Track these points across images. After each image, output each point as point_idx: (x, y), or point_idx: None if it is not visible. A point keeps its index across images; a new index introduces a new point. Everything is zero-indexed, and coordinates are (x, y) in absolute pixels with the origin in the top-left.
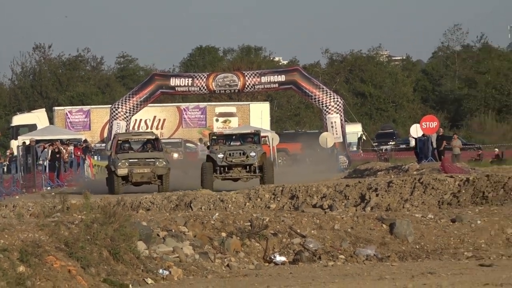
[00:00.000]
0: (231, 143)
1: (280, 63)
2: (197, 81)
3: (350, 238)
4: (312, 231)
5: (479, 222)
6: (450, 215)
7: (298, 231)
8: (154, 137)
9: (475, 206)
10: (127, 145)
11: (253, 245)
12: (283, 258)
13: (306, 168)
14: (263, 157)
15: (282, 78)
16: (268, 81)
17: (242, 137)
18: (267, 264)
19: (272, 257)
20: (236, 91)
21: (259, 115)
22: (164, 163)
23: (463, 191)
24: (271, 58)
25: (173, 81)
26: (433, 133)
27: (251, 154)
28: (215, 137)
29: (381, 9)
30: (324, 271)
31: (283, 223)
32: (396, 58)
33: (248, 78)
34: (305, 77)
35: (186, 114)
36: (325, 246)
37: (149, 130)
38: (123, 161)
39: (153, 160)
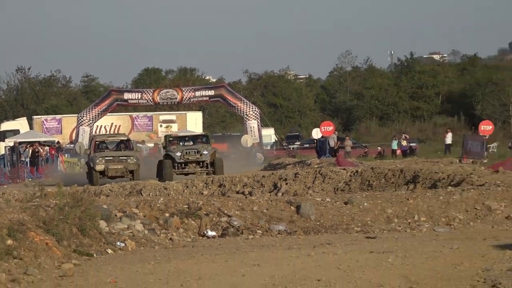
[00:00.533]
0: (185, 143)
1: (210, 81)
2: (145, 95)
3: (265, 217)
4: (236, 212)
5: (365, 204)
6: (343, 199)
7: (225, 212)
8: (126, 138)
9: (362, 191)
10: (103, 145)
11: (190, 223)
12: (213, 233)
13: (231, 163)
14: (213, 155)
15: (211, 92)
16: (201, 95)
17: (194, 138)
18: (201, 237)
19: (205, 232)
20: (176, 103)
21: (194, 122)
22: (135, 160)
23: (353, 180)
24: (203, 77)
25: (126, 95)
26: (330, 135)
27: (204, 152)
28: (171, 139)
29: (289, 38)
30: (246, 242)
31: (213, 205)
32: (301, 76)
33: (185, 93)
34: (230, 92)
35: (136, 121)
36: (246, 223)
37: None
38: (100, 158)
39: (126, 157)
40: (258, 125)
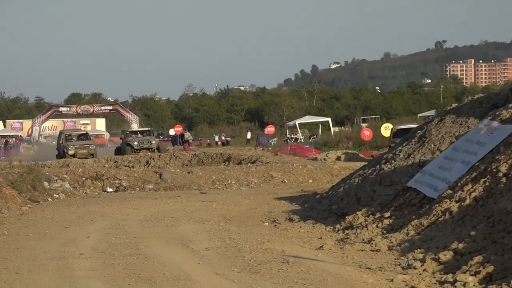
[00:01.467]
0: (138, 136)
1: (109, 100)
2: (71, 109)
3: (141, 180)
4: (124, 177)
5: (200, 173)
6: (187, 170)
7: (117, 177)
8: (85, 132)
9: (198, 166)
10: (70, 137)
11: (97, 183)
12: (111, 190)
13: None
14: (159, 143)
15: (110, 107)
16: (104, 109)
17: (142, 132)
18: (103, 192)
19: (106, 189)
20: (90, 113)
21: (100, 125)
22: (94, 146)
23: (193, 159)
24: (106, 98)
25: (61, 109)
26: (180, 132)
27: (153, 142)
28: (128, 133)
29: (157, 71)
30: (130, 195)
31: (110, 173)
32: (163, 98)
33: (95, 108)
34: (121, 107)
35: (66, 124)
36: (130, 184)
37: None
38: (71, 146)
39: (88, 145)
40: (138, 126)
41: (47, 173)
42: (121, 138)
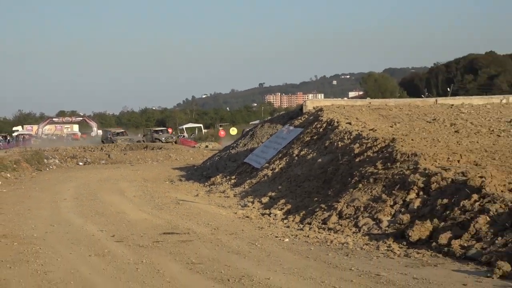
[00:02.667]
0: (118, 135)
1: (81, 114)
2: (60, 119)
3: (98, 158)
4: (88, 156)
5: (130, 154)
6: (123, 152)
7: (86, 156)
8: (124, 130)
9: (130, 151)
10: (116, 133)
11: (73, 160)
12: (81, 163)
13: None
14: (131, 140)
15: (81, 118)
16: (78, 119)
17: (122, 133)
18: (77, 165)
19: (78, 163)
20: (69, 121)
21: (76, 128)
22: (129, 138)
23: (127, 147)
24: (79, 112)
25: (54, 119)
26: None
27: (132, 138)
28: (111, 132)
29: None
30: (92, 166)
31: (81, 153)
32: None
33: (73, 118)
34: (87, 118)
35: (57, 127)
36: (92, 160)
37: None
38: (117, 138)
39: (126, 138)
40: (96, 129)
41: (46, 153)
42: (107, 138)
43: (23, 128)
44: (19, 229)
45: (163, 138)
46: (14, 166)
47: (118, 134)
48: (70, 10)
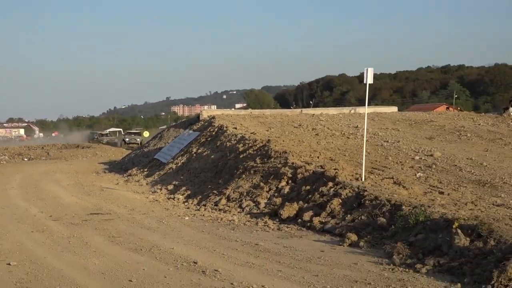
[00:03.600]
0: (105, 135)
1: (26, 120)
2: (9, 124)
3: (40, 155)
4: (31, 154)
5: (65, 152)
6: (60, 151)
7: (29, 153)
8: (138, 131)
9: (66, 149)
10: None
11: (20, 156)
12: (26, 159)
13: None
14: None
15: (26, 124)
16: (23, 124)
17: (110, 133)
18: (23, 160)
19: (24, 159)
20: (17, 126)
21: (22, 132)
22: (139, 139)
23: (63, 146)
24: (25, 119)
25: (5, 124)
26: (57, 134)
27: (116, 140)
28: (97, 133)
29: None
30: (35, 161)
31: (26, 151)
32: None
33: (19, 124)
34: (31, 123)
35: (6, 131)
36: (35, 156)
37: None
38: (128, 137)
39: (137, 137)
40: (39, 132)
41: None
42: (94, 137)
43: None
44: None
45: (104, 140)
46: None
47: (102, 135)
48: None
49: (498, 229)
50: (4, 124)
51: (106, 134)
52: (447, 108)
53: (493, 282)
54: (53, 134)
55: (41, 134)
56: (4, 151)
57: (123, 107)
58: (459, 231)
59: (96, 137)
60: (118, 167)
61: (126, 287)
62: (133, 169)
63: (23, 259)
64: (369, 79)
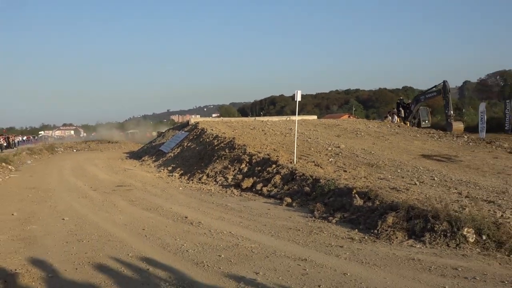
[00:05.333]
0: None
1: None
2: None
3: (76, 148)
4: (76, 147)
5: (94, 145)
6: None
7: (73, 147)
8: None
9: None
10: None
11: (69, 149)
12: (75, 150)
13: None
14: None
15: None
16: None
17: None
18: (73, 151)
19: (73, 150)
20: None
21: None
22: None
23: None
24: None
25: None
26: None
27: None
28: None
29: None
30: (78, 152)
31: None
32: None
33: None
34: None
35: None
36: (79, 149)
37: None
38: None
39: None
40: (83, 132)
41: (56, 146)
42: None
43: (44, 132)
44: (42, 184)
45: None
46: (39, 151)
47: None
48: None
49: (381, 194)
50: (60, 127)
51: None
52: (349, 116)
53: (378, 228)
54: (92, 134)
55: (85, 134)
56: (60, 145)
57: (138, 116)
58: (356, 195)
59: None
60: (136, 155)
61: (141, 233)
62: (145, 156)
63: (73, 216)
64: (298, 98)
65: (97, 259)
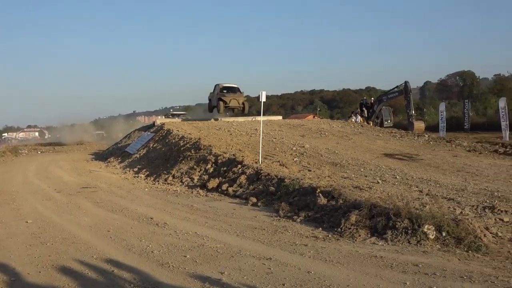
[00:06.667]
0: None
1: None
2: None
3: (39, 149)
4: (40, 149)
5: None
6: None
7: (37, 149)
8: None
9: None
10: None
11: (35, 150)
12: (39, 152)
13: None
14: None
15: None
16: None
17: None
18: (37, 153)
19: (38, 152)
20: None
21: None
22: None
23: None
24: None
25: None
26: None
27: None
28: None
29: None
30: (40, 154)
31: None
32: None
33: None
34: None
35: None
36: (41, 151)
37: None
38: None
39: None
40: (48, 133)
41: (20, 148)
42: None
43: (7, 134)
44: (5, 187)
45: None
46: (2, 153)
47: (175, 114)
48: None
49: (344, 193)
50: (24, 129)
51: (178, 115)
52: (313, 116)
53: (341, 226)
54: (58, 136)
55: (50, 136)
56: (24, 147)
57: (105, 117)
58: (320, 194)
59: (170, 115)
60: (101, 157)
61: (106, 235)
62: (111, 158)
63: (36, 218)
64: (263, 98)
65: (61, 262)
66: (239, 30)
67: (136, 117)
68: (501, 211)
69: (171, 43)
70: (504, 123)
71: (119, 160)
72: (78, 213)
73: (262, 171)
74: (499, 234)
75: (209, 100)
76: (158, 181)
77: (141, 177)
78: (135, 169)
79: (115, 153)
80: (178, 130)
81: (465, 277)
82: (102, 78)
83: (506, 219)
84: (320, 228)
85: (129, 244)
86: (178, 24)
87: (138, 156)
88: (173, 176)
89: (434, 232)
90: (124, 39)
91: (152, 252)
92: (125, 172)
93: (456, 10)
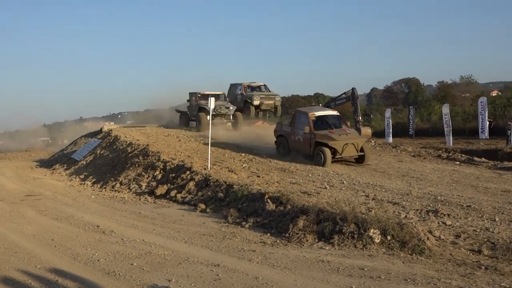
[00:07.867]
0: None
1: None
2: None
3: None
4: None
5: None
6: None
7: None
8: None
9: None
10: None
11: None
12: None
13: None
14: None
15: None
16: None
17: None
18: None
19: None
20: None
21: None
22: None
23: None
24: None
25: None
26: None
27: None
28: None
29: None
30: None
31: None
32: None
33: None
34: None
35: None
36: None
37: None
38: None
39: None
40: None
41: None
42: None
43: None
44: None
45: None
46: None
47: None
48: None
49: (292, 198)
50: None
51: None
52: (263, 122)
53: (289, 231)
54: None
55: None
56: None
57: (50, 123)
58: (268, 200)
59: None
60: (46, 164)
61: (50, 244)
62: (57, 165)
63: None
64: (212, 105)
65: (3, 272)
66: (192, 33)
67: (83, 123)
68: (444, 214)
69: (117, 48)
70: (447, 129)
71: (65, 167)
72: (22, 222)
73: (211, 178)
74: (442, 237)
75: (186, 108)
76: (105, 188)
77: (87, 184)
78: (82, 176)
79: (60, 160)
80: (126, 137)
81: (409, 280)
82: (46, 83)
83: (448, 223)
84: (269, 234)
85: (74, 252)
86: (126, 23)
87: (84, 162)
88: (121, 183)
89: (380, 236)
90: (69, 41)
91: (98, 260)
92: (71, 179)
93: (401, 18)
